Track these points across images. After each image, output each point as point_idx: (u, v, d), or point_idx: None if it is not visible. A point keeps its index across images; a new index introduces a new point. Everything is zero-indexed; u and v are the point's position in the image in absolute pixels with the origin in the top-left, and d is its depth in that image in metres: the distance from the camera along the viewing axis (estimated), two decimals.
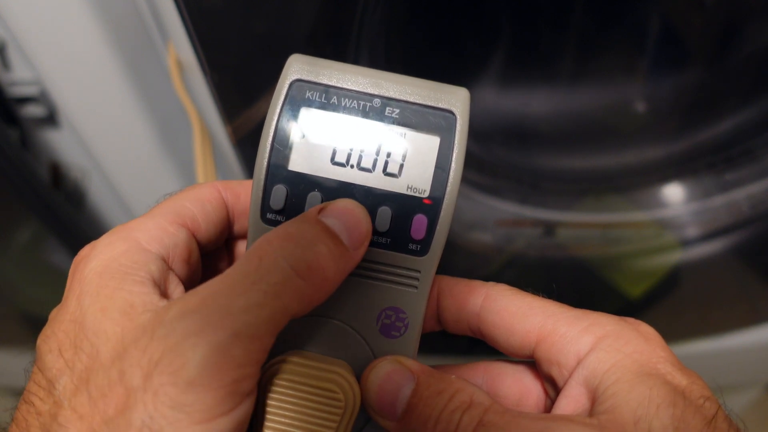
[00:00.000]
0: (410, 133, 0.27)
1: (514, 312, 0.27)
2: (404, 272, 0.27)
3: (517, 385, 0.29)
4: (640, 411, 0.23)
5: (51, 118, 0.63)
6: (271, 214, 0.27)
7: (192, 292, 0.23)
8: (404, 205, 0.27)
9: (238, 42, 0.41)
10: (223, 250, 0.32)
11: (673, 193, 0.65)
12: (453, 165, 0.27)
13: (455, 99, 0.27)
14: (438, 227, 0.27)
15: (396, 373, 0.26)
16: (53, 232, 0.64)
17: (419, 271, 0.27)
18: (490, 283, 0.29)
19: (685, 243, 0.65)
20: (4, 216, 0.65)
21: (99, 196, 0.72)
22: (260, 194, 0.27)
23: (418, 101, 0.27)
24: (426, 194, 0.27)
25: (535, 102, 0.64)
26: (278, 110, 0.27)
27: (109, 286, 0.24)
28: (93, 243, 0.26)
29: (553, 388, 0.28)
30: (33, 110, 0.61)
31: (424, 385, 0.25)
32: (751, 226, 0.64)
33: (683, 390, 0.24)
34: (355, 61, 0.43)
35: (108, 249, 0.25)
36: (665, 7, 0.58)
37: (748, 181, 0.63)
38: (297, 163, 0.27)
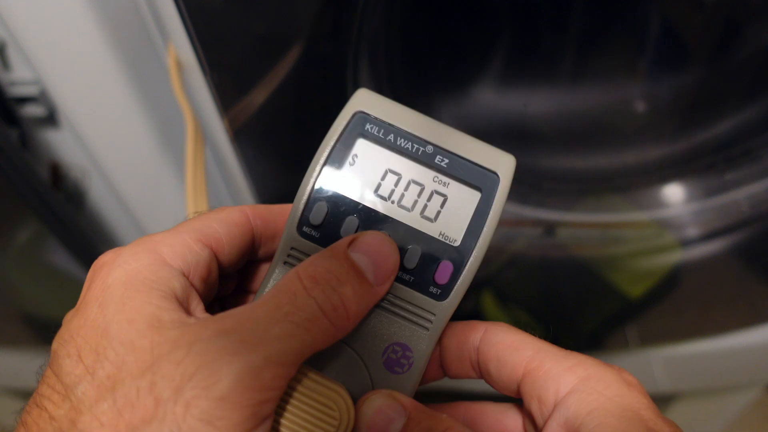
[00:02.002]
0: (454, 184, 0.29)
1: (509, 345, 0.28)
2: (420, 312, 0.28)
3: (498, 426, 0.30)
4: None
5: (51, 118, 0.63)
6: (307, 228, 0.28)
7: (227, 314, 0.24)
8: (434, 249, 0.28)
9: (238, 42, 0.41)
10: (235, 273, 0.33)
11: (673, 193, 0.65)
12: (488, 222, 0.28)
13: (502, 162, 0.30)
14: (461, 277, 0.28)
15: (388, 407, 0.26)
16: (53, 232, 0.64)
17: (434, 315, 0.28)
18: (490, 322, 0.30)
19: (685, 243, 0.65)
20: (4, 216, 0.65)
21: (99, 196, 0.72)
22: (301, 207, 0.28)
23: (467, 157, 0.29)
24: (456, 244, 0.28)
25: (535, 102, 0.64)
26: (337, 135, 0.29)
27: (136, 299, 0.24)
28: (117, 250, 0.26)
29: (533, 428, 0.28)
30: (33, 110, 0.61)
31: (414, 421, 0.26)
32: (751, 226, 0.64)
33: None
34: (355, 61, 0.43)
35: (133, 259, 0.26)
36: (665, 7, 0.58)
37: (748, 181, 0.63)
38: (342, 187, 0.28)
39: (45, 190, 0.61)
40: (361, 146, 0.29)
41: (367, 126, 0.29)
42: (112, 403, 0.22)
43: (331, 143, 0.29)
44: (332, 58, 0.41)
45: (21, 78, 0.59)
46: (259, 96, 0.44)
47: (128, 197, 0.66)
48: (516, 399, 0.29)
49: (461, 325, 0.30)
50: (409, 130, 0.29)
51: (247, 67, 0.42)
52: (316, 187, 0.28)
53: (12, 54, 0.57)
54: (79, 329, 0.24)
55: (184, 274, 0.26)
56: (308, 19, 0.40)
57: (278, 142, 0.48)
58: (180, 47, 0.44)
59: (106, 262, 0.26)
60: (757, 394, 0.93)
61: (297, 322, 0.24)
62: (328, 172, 0.28)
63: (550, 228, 0.65)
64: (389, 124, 0.29)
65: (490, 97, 0.63)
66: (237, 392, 0.22)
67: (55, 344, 0.25)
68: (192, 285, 0.27)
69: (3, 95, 0.59)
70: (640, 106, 0.64)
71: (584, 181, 0.66)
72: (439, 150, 0.29)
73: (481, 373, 0.29)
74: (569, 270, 0.67)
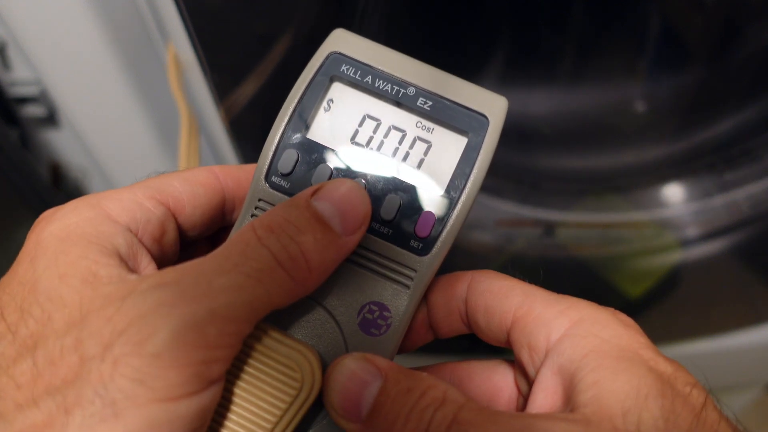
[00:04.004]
0: (438, 129, 0.26)
1: (496, 292, 0.26)
2: (399, 268, 0.26)
3: (487, 384, 0.28)
4: (628, 402, 0.21)
5: (51, 118, 0.63)
6: (276, 178, 0.26)
7: (169, 268, 0.22)
8: (415, 198, 0.26)
9: (237, 42, 0.41)
10: (209, 241, 0.30)
11: (673, 193, 0.65)
12: (475, 170, 0.26)
13: (492, 104, 0.27)
14: (445, 230, 0.26)
15: (361, 370, 0.23)
16: None
17: (415, 271, 0.26)
18: (476, 270, 0.28)
19: (685, 243, 0.65)
20: (4, 216, 0.65)
21: None
22: (270, 155, 0.26)
23: (453, 98, 0.26)
24: (440, 193, 0.26)
25: (535, 102, 0.64)
26: (310, 77, 0.26)
27: (71, 253, 0.22)
28: (58, 207, 0.24)
29: (525, 381, 0.26)
30: (33, 110, 0.61)
31: (392, 381, 0.23)
32: (751, 226, 0.64)
33: (669, 378, 0.22)
34: None
35: (72, 214, 0.23)
36: (665, 7, 0.58)
37: (748, 181, 0.63)
38: (315, 133, 0.26)
39: (45, 190, 0.61)
40: (337, 90, 0.27)
41: (343, 67, 0.26)
42: (31, 363, 0.20)
43: (303, 86, 0.26)
44: None
45: (21, 78, 0.59)
46: (258, 96, 0.44)
47: None
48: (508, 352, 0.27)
49: (446, 278, 0.27)
50: (388, 71, 0.26)
51: (247, 67, 0.42)
52: (287, 132, 0.26)
53: (12, 54, 0.57)
54: (6, 286, 0.22)
55: (131, 231, 0.24)
56: (308, 19, 0.40)
57: None
58: (180, 47, 0.44)
59: (44, 217, 0.24)
60: (757, 394, 0.93)
61: (247, 273, 0.21)
62: (300, 117, 0.26)
63: (550, 228, 0.65)
64: (367, 65, 0.27)
65: None
66: (175, 349, 0.19)
67: None
68: (142, 243, 0.24)
69: (3, 95, 0.59)
70: (640, 106, 0.64)
71: (584, 181, 0.66)
72: (422, 92, 0.26)
73: (471, 325, 0.27)
74: (569, 270, 0.67)
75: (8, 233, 0.67)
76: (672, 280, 0.68)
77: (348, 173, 0.26)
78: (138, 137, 0.60)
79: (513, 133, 0.65)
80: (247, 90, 0.44)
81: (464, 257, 0.64)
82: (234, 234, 0.26)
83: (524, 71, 0.63)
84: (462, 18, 0.55)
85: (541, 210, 0.64)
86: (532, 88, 0.64)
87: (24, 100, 0.60)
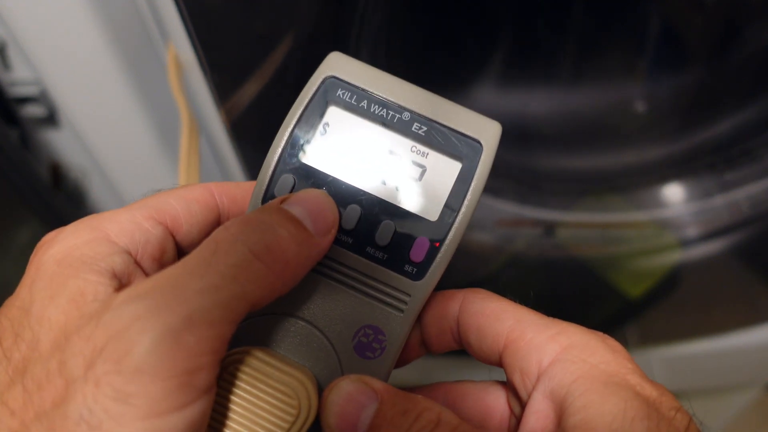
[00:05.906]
0: (433, 154, 0.27)
1: (488, 314, 0.26)
2: (394, 293, 0.26)
3: (480, 405, 0.28)
4: (615, 424, 0.22)
5: (51, 118, 0.63)
6: None
7: (144, 279, 0.21)
8: (409, 224, 0.26)
9: (237, 42, 0.41)
10: None
11: (673, 193, 0.65)
12: (469, 195, 0.26)
13: (486, 130, 0.27)
14: (439, 255, 0.26)
15: (358, 392, 0.24)
16: None
17: (410, 295, 0.26)
18: (468, 289, 0.28)
19: (685, 243, 0.66)
20: (4, 216, 0.65)
21: (99, 196, 0.72)
22: (266, 180, 0.26)
23: (447, 124, 0.27)
24: (434, 218, 0.26)
25: (535, 102, 0.64)
26: (306, 102, 0.27)
27: (64, 274, 0.22)
28: (59, 229, 0.25)
29: (517, 402, 0.27)
30: (33, 110, 0.61)
31: (388, 404, 0.23)
32: (751, 226, 0.64)
33: (654, 402, 0.23)
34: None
35: (72, 237, 0.24)
36: (665, 7, 0.58)
37: (748, 181, 0.63)
38: (311, 158, 0.27)
39: (45, 190, 0.61)
40: (333, 114, 0.27)
41: (339, 92, 0.27)
42: (21, 388, 0.20)
43: (300, 111, 0.27)
44: None
45: (21, 78, 0.59)
46: (259, 96, 0.44)
47: (128, 197, 0.66)
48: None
49: (438, 297, 0.28)
50: (384, 96, 0.27)
51: (247, 66, 0.42)
52: (283, 157, 0.26)
53: (12, 54, 0.57)
54: (8, 311, 0.23)
55: (131, 253, 0.24)
56: (308, 19, 0.40)
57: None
58: (180, 47, 0.44)
59: (46, 241, 0.24)
60: (757, 394, 0.93)
61: (222, 271, 0.21)
62: (297, 141, 0.26)
63: (550, 228, 0.65)
64: (363, 90, 0.27)
65: (490, 97, 0.63)
66: (155, 362, 0.19)
67: None
68: (139, 265, 0.25)
69: (3, 95, 0.59)
70: (640, 106, 0.65)
71: (584, 181, 0.66)
72: (417, 117, 0.27)
73: (462, 344, 0.28)
74: (569, 270, 0.67)
75: (8, 233, 0.67)
76: (672, 280, 0.68)
77: (344, 197, 0.26)
78: (138, 137, 0.60)
79: (513, 133, 0.65)
80: (247, 90, 0.44)
81: (464, 257, 0.64)
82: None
83: (524, 71, 0.63)
84: (462, 18, 0.55)
85: (541, 210, 0.64)
86: (532, 88, 0.64)
87: (24, 100, 0.60)
